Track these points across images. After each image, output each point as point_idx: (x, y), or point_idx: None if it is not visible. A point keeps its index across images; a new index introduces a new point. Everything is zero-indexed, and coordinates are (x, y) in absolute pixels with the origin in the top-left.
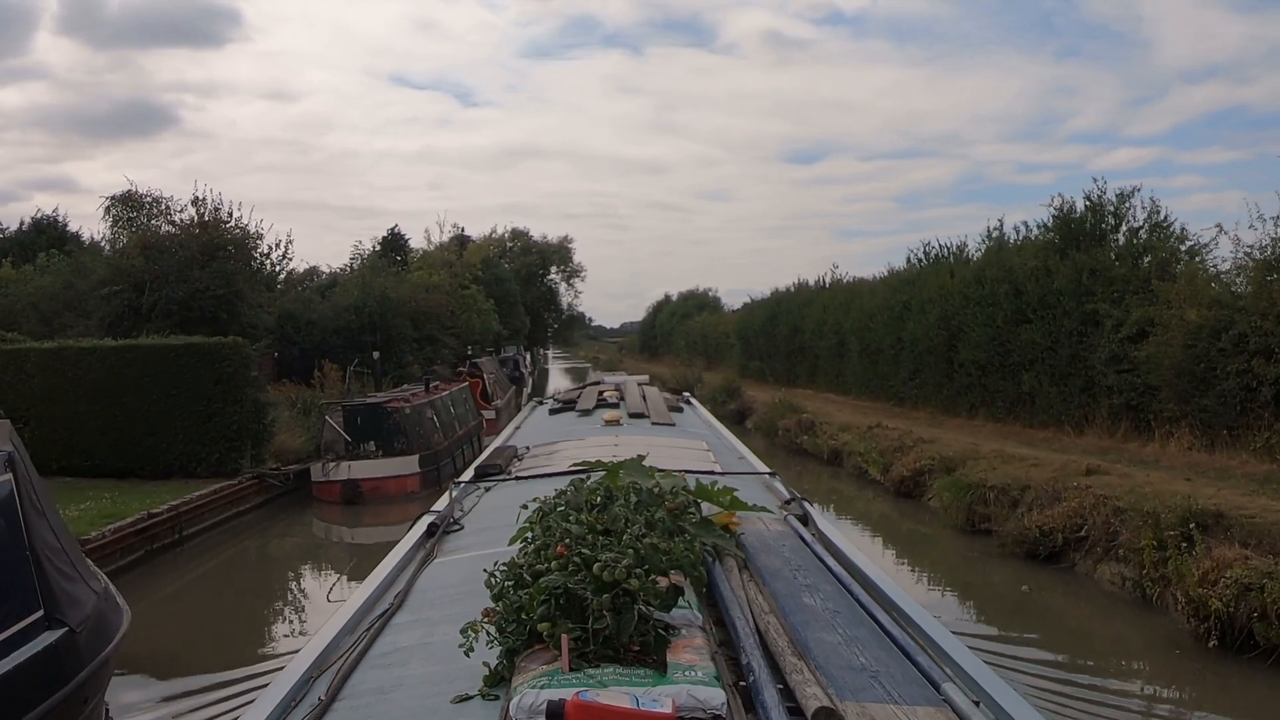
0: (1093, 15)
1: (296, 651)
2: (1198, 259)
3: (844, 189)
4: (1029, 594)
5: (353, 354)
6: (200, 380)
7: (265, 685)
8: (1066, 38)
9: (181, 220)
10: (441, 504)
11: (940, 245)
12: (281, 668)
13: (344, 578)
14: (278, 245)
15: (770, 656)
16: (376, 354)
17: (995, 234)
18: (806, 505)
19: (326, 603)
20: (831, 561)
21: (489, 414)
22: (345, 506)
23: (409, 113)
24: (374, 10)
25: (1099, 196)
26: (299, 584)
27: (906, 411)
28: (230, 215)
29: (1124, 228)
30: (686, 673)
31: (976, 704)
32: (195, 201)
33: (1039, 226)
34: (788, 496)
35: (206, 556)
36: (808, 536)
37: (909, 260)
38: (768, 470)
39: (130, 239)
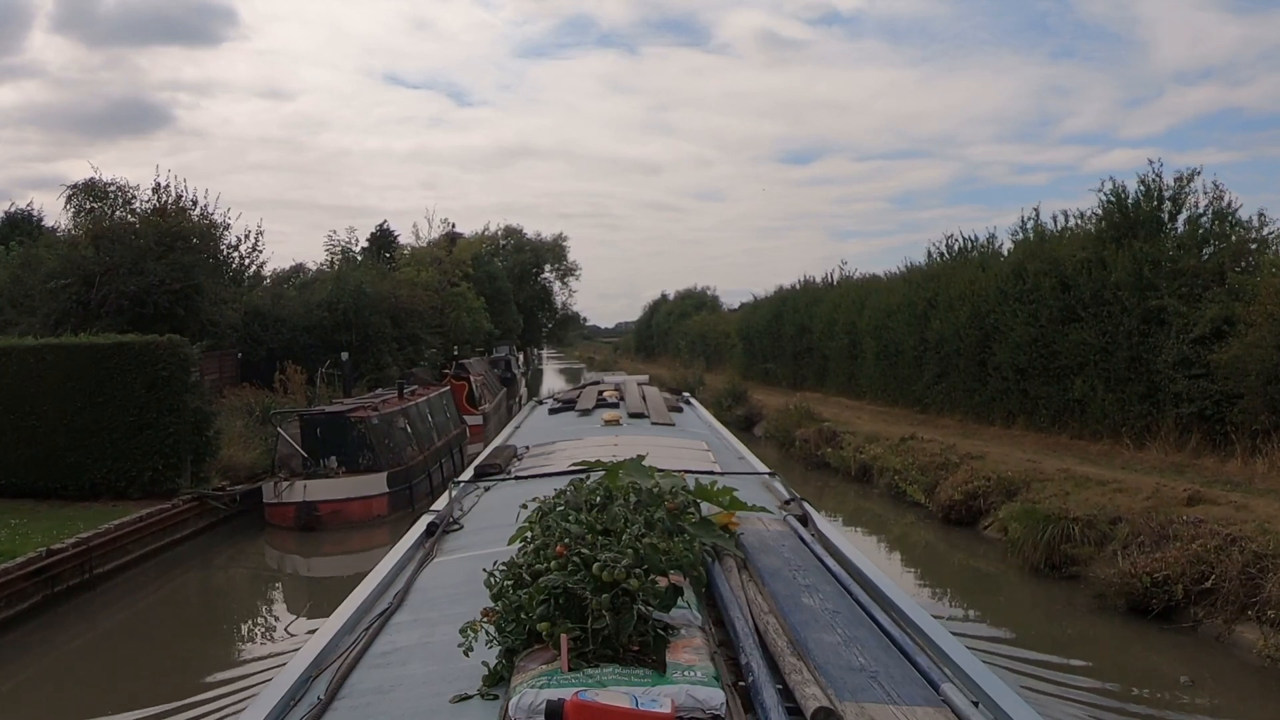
0: (1088, 16)
1: (296, 651)
2: (1276, 248)
3: (839, 189)
4: (1190, 686)
5: (325, 355)
6: (131, 386)
7: (266, 683)
8: (1062, 38)
9: (142, 209)
10: (441, 503)
11: (964, 238)
12: (283, 665)
13: (300, 617)
14: (247, 236)
15: (769, 657)
16: (345, 355)
17: (1030, 223)
18: (806, 505)
19: (273, 656)
20: (831, 562)
21: (475, 420)
22: (301, 533)
23: (403, 112)
24: (369, 9)
25: (1155, 180)
26: (242, 628)
27: (931, 419)
28: (194, 203)
29: (1184, 215)
30: (686, 673)
31: (975, 704)
32: (156, 189)
33: (1079, 216)
34: (787, 497)
35: (129, 598)
36: (807, 537)
37: (929, 255)
38: (767, 470)
39: (81, 228)
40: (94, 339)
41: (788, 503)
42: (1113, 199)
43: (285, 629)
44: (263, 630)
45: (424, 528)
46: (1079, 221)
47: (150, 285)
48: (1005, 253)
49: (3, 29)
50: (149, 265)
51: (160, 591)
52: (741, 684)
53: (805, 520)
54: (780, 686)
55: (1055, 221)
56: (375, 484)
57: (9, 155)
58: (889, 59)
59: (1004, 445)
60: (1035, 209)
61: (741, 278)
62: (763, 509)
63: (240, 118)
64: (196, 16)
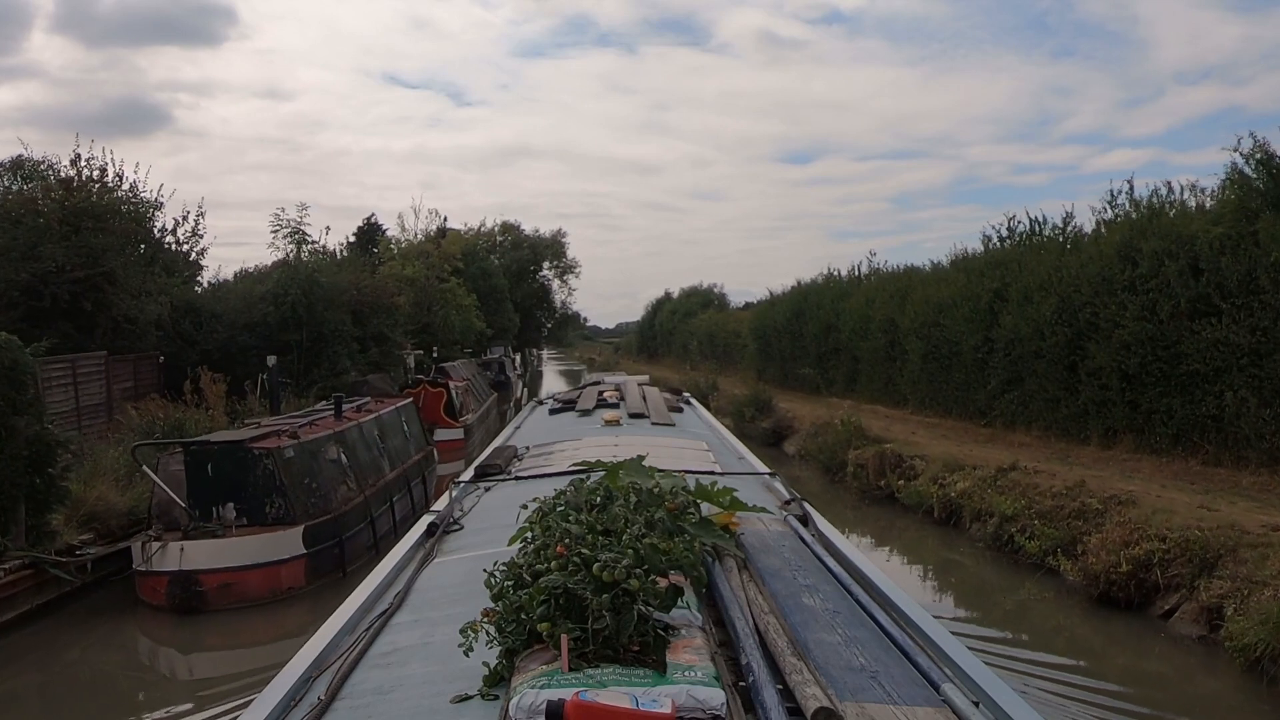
0: (1088, 15)
1: (296, 651)
2: None
3: (838, 190)
4: None
5: (269, 358)
6: None
7: (266, 684)
8: (1061, 38)
9: (54, 185)
10: (441, 504)
11: (1031, 218)
12: (282, 665)
13: None
14: (185, 218)
15: (770, 657)
16: (272, 359)
17: (1122, 196)
18: (806, 506)
19: None
20: (831, 562)
21: (454, 434)
22: (180, 616)
23: (401, 112)
24: (367, 9)
25: None
26: None
27: (999, 434)
28: (120, 178)
29: None
30: (686, 673)
31: (976, 704)
32: (75, 161)
33: (1189, 188)
34: (788, 497)
35: None
36: (807, 537)
37: (987, 239)
38: (768, 470)
39: None
40: None
41: (788, 503)
42: (1260, 160)
43: None
44: None
45: (424, 528)
46: (1189, 194)
47: (47, 273)
48: (1087, 233)
49: (2, 29)
50: (46, 249)
51: None
52: (742, 684)
53: (805, 520)
54: (780, 686)
55: (1158, 195)
56: (286, 543)
57: (6, 155)
58: (888, 58)
59: (1113, 471)
60: (1129, 181)
61: (740, 278)
62: (763, 509)
63: (239, 118)
64: (196, 16)
